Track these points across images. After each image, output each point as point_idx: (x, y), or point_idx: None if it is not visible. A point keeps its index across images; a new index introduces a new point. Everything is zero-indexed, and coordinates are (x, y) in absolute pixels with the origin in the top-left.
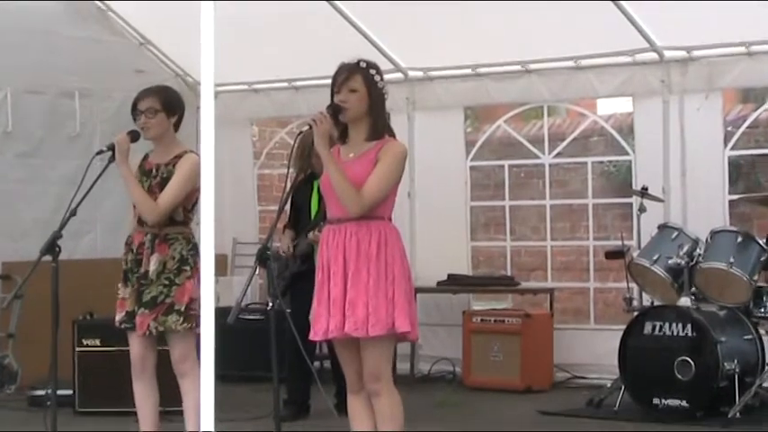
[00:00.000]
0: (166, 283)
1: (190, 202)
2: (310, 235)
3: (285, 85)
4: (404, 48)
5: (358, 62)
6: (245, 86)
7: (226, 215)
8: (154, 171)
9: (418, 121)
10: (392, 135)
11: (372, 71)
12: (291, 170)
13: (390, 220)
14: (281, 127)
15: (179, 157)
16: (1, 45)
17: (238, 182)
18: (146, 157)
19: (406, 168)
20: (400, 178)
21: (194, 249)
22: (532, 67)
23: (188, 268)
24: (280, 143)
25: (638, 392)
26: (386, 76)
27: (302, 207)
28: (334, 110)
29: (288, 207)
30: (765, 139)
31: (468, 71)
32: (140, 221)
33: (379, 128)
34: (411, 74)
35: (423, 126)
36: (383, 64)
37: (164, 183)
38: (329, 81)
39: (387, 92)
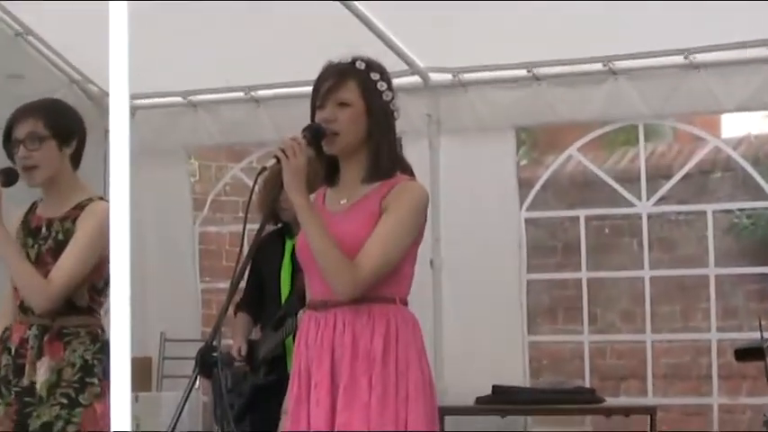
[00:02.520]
0: (64, 402)
1: (99, 277)
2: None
3: (240, 95)
4: (422, 40)
5: (353, 61)
6: (179, 99)
7: (150, 298)
8: (44, 230)
9: (445, 149)
10: (407, 172)
11: (375, 75)
12: (250, 226)
13: (405, 303)
14: (235, 160)
15: (81, 207)
16: None
17: (169, 245)
18: (32, 209)
19: (427, 223)
20: (420, 239)
21: (102, 351)
22: (620, 65)
23: (96, 381)
24: (232, 185)
25: None
26: (396, 81)
27: (268, 278)
28: (315, 134)
29: (245, 278)
30: None
31: (522, 72)
32: (23, 307)
33: (385, 161)
34: (434, 77)
35: (453, 157)
36: (392, 64)
37: (59, 247)
38: (307, 90)
39: (397, 107)
